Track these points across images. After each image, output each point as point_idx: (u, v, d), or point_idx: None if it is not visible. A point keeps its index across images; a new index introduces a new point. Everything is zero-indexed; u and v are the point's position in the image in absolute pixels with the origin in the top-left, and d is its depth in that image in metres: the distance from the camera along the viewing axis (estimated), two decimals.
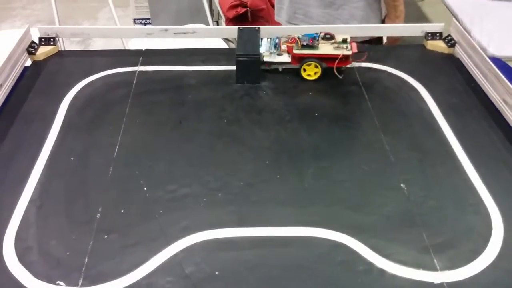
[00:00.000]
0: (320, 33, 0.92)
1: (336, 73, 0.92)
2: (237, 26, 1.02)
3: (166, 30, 1.06)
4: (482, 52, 0.93)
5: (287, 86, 0.93)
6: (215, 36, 1.21)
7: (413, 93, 0.91)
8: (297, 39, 0.91)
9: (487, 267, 0.58)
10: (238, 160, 0.75)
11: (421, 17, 2.42)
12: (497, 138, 0.79)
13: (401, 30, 1.09)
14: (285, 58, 0.92)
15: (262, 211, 0.67)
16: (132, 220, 0.65)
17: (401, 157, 0.76)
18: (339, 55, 0.90)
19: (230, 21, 1.90)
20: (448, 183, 0.71)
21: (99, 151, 0.77)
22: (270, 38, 0.96)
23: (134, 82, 0.93)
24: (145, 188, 0.70)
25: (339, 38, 0.92)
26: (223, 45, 1.61)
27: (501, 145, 0.78)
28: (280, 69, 0.94)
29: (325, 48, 0.91)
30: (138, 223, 0.65)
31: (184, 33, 1.06)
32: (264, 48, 0.94)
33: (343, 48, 0.91)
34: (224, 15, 1.97)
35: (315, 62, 0.90)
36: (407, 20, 1.13)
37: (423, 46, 1.06)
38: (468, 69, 0.97)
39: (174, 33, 1.06)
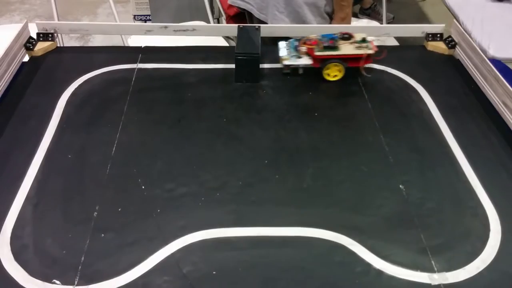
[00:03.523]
0: (338, 33, 0.91)
1: (363, 72, 0.92)
2: (237, 24, 1.01)
3: (165, 27, 1.05)
4: (482, 53, 0.92)
5: (287, 85, 0.93)
6: (215, 34, 1.21)
7: (413, 94, 0.91)
8: (318, 41, 0.90)
9: (484, 269, 0.58)
10: (237, 160, 0.75)
11: (422, 18, 2.41)
12: (496, 140, 0.79)
13: (401, 31, 1.08)
14: (306, 60, 0.92)
15: (260, 211, 0.67)
16: (129, 219, 0.65)
17: (400, 158, 0.76)
18: (363, 54, 0.89)
19: (231, 19, 1.89)
20: (447, 184, 0.71)
21: (97, 148, 0.76)
22: (287, 41, 0.94)
23: (133, 79, 0.93)
24: (143, 187, 0.69)
25: (358, 37, 0.92)
26: (224, 43, 1.61)
27: (499, 147, 0.78)
28: (300, 71, 0.94)
29: (347, 48, 0.90)
30: (135, 222, 0.65)
31: (184, 30, 1.05)
32: (283, 52, 0.93)
33: (364, 47, 0.90)
34: (225, 13, 1.96)
35: (338, 63, 0.90)
36: (407, 21, 1.12)
37: (424, 47, 1.05)
38: (468, 71, 0.96)
39: (174, 31, 1.05)
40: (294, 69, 0.94)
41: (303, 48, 0.92)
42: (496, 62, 0.98)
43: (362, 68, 0.92)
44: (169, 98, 0.89)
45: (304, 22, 1.17)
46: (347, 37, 0.92)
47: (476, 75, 0.94)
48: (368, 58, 0.91)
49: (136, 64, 0.97)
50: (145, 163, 0.74)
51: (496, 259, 0.60)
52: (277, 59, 0.97)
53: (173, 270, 0.58)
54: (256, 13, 1.25)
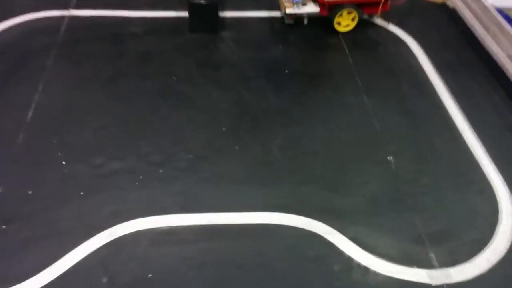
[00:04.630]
0: None
1: (382, 19, 0.80)
2: None
3: None
4: (483, 1, 0.80)
5: (254, 37, 0.82)
6: None
7: (402, 48, 0.80)
8: None
9: (497, 262, 0.48)
10: (187, 126, 0.64)
11: None
12: (499, 99, 0.70)
13: None
14: (312, 7, 0.79)
15: (214, 191, 0.56)
16: (42, 204, 0.54)
17: (388, 123, 0.65)
18: None
19: None
20: (445, 155, 0.62)
21: (9, 112, 0.65)
22: None
23: (63, 29, 0.79)
24: (64, 162, 0.58)
25: None
26: None
27: (504, 109, 0.68)
28: (305, 22, 0.81)
29: None
30: (49, 208, 0.54)
31: None
32: None
33: None
34: None
35: (352, 9, 0.76)
36: None
37: None
38: (466, 21, 0.85)
39: None
40: (298, 18, 0.81)
41: None
42: (500, 11, 0.86)
43: (379, 15, 0.80)
44: (106, 51, 0.78)
45: None
46: None
47: (475, 26, 0.81)
48: (386, 3, 0.79)
49: (67, 10, 0.82)
50: (70, 131, 0.62)
51: (511, 247, 0.49)
52: (243, 6, 0.84)
53: (95, 272, 0.46)
54: None
